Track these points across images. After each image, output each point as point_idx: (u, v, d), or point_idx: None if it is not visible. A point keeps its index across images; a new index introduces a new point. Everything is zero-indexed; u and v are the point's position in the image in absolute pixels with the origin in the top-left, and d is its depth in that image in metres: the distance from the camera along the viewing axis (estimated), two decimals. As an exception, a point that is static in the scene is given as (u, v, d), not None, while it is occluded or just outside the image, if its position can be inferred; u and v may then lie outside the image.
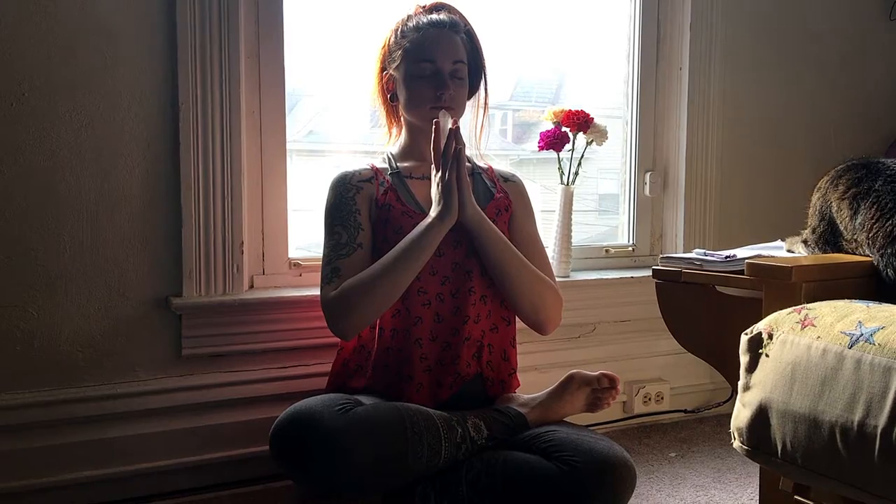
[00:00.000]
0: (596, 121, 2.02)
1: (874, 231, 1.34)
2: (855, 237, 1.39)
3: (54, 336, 1.58)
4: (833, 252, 1.46)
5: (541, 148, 2.02)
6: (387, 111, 1.69)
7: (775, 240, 1.70)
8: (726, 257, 1.49)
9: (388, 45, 1.62)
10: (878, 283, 1.36)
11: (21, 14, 1.51)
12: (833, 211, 1.43)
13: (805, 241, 1.52)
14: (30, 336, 1.56)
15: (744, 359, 1.23)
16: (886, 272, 1.32)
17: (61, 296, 1.58)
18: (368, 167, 1.61)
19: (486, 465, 1.37)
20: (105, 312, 1.61)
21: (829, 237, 1.46)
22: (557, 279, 1.84)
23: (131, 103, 1.60)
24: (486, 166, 1.72)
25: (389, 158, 1.64)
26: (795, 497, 1.28)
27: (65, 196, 1.57)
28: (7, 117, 1.51)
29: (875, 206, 1.35)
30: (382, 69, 1.64)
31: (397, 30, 1.61)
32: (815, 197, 1.51)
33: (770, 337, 1.20)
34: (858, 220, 1.37)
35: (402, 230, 1.51)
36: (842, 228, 1.42)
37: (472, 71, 1.64)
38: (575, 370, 1.58)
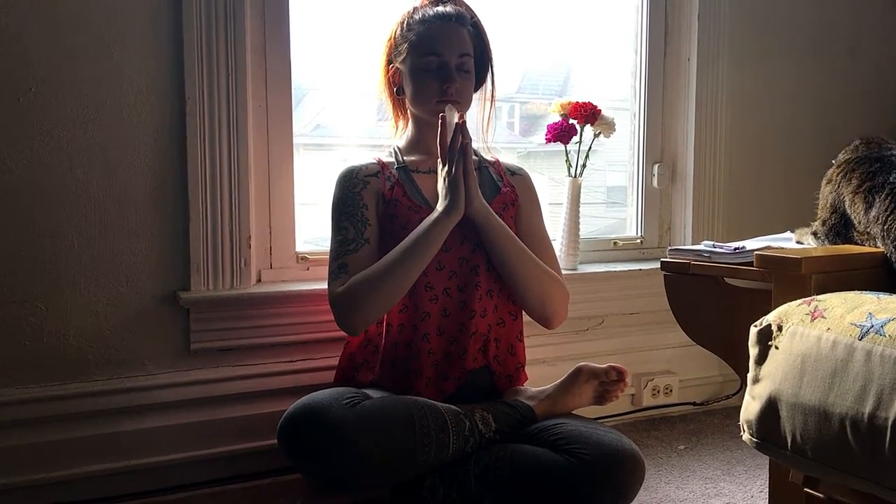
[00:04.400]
0: (603, 113, 2.01)
1: (889, 223, 1.33)
2: (868, 230, 1.39)
3: (63, 331, 1.59)
4: (843, 244, 1.45)
5: (548, 140, 2.01)
6: (393, 105, 1.68)
7: (784, 231, 1.69)
8: (735, 249, 1.48)
9: (394, 37, 1.61)
10: (888, 275, 1.35)
11: (27, 9, 1.51)
12: (847, 205, 1.43)
13: (815, 234, 1.52)
14: (38, 331, 1.57)
15: (753, 351, 1.23)
16: None
17: (69, 290, 1.58)
18: (375, 161, 1.61)
19: (495, 459, 1.37)
20: (113, 307, 1.62)
21: (841, 229, 1.45)
22: (565, 272, 1.83)
23: (138, 98, 1.60)
24: (493, 159, 1.71)
25: (396, 152, 1.63)
26: (805, 490, 1.28)
27: (73, 190, 1.57)
28: (14, 112, 1.52)
29: (889, 199, 1.34)
30: (388, 62, 1.63)
31: (403, 22, 1.60)
32: (827, 189, 1.50)
33: (779, 329, 1.19)
34: (873, 214, 1.37)
35: (408, 225, 1.51)
36: (855, 222, 1.42)
37: (478, 63, 1.63)
38: (583, 363, 1.58)
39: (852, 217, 1.42)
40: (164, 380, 1.66)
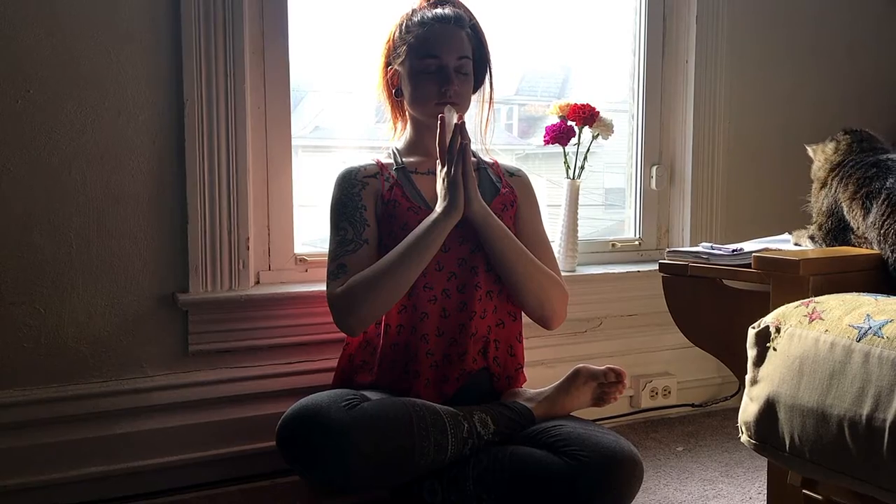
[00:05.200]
0: (602, 114, 2.01)
1: (886, 227, 1.34)
2: (865, 235, 1.39)
3: (61, 332, 1.58)
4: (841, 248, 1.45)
5: (546, 142, 2.01)
6: (392, 106, 1.68)
7: (782, 233, 1.70)
8: (733, 251, 1.48)
9: (393, 40, 1.61)
10: (886, 277, 1.35)
11: (26, 11, 1.51)
12: (845, 211, 1.43)
13: (812, 238, 1.52)
14: (37, 333, 1.57)
15: (751, 353, 1.23)
16: None
17: (68, 292, 1.58)
18: (374, 162, 1.61)
19: (493, 460, 1.37)
20: (111, 308, 1.62)
21: (839, 233, 1.45)
22: (564, 273, 1.83)
23: (136, 100, 1.60)
24: (491, 161, 1.71)
25: (394, 153, 1.63)
26: (803, 491, 1.28)
27: (71, 192, 1.57)
28: (13, 114, 1.52)
29: (886, 204, 1.35)
30: (387, 64, 1.63)
31: (402, 24, 1.60)
32: (822, 194, 1.50)
33: (777, 331, 1.19)
34: (870, 219, 1.37)
35: (407, 226, 1.51)
36: (854, 226, 1.42)
37: (477, 65, 1.63)
38: (581, 364, 1.58)
39: (850, 222, 1.42)
40: (162, 382, 1.66)
